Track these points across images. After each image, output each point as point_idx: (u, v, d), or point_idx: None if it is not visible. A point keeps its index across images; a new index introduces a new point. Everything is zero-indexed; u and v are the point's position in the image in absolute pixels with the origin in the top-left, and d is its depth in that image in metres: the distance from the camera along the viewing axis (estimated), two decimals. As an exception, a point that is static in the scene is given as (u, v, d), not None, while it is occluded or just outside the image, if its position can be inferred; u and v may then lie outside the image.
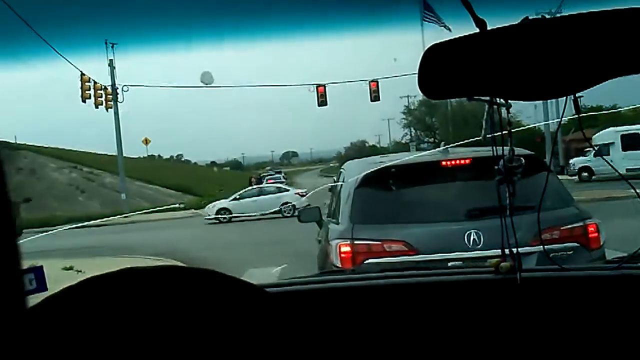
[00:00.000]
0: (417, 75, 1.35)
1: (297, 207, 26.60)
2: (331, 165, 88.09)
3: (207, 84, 23.51)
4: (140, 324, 0.99)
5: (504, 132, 1.55)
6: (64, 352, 0.97)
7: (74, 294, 1.00)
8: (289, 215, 26.57)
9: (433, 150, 7.20)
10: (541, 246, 2.92)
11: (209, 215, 30.02)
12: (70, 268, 14.98)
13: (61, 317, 0.99)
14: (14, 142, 54.58)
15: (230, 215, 29.65)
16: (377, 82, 35.83)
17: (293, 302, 1.08)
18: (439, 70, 1.36)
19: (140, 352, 0.99)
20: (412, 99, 64.45)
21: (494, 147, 1.60)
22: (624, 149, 33.46)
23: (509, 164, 1.59)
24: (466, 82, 1.39)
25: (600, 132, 34.15)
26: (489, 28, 1.31)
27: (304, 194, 31.50)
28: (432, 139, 60.90)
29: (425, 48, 1.36)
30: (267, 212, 27.05)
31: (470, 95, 1.48)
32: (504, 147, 1.58)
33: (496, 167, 1.63)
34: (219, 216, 29.83)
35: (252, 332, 1.01)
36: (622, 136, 34.73)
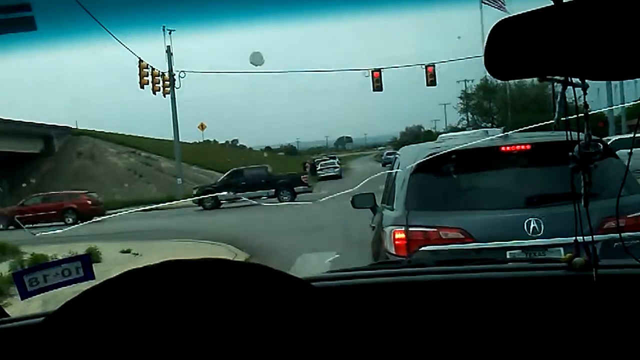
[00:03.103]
0: (483, 53, 1.24)
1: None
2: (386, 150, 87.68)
3: (256, 65, 23.17)
4: (180, 318, 0.93)
5: (580, 115, 1.42)
6: (100, 345, 0.92)
7: (113, 287, 0.95)
8: None
9: (495, 130, 6.98)
10: (605, 235, 2.75)
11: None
12: (128, 251, 15.28)
13: (98, 311, 0.94)
14: (75, 127, 56.03)
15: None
16: (434, 66, 35.45)
17: (340, 296, 1.02)
18: (508, 47, 1.25)
19: (181, 347, 0.93)
20: (470, 83, 63.55)
21: (569, 132, 1.47)
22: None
23: (585, 150, 1.46)
24: (538, 61, 1.27)
25: None
26: (565, 1, 1.20)
27: None
28: (490, 124, 59.83)
29: (491, 27, 1.26)
30: None
31: (543, 74, 1.36)
32: (579, 132, 1.45)
33: (571, 153, 1.51)
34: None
35: (297, 327, 0.95)
36: None
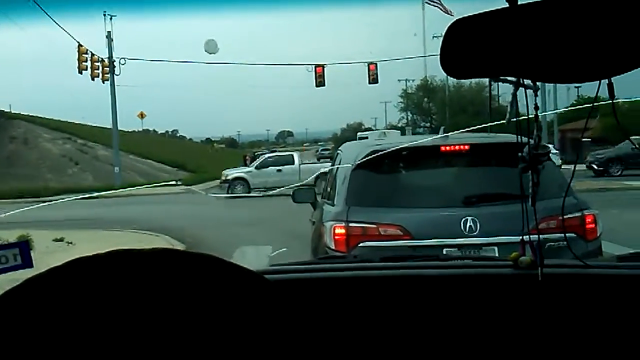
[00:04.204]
0: (439, 51, 1.26)
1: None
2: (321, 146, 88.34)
3: (210, 53, 22.97)
4: (128, 309, 0.91)
5: (530, 116, 1.46)
6: (45, 336, 0.89)
7: (58, 275, 0.92)
8: None
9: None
10: (552, 235, 2.82)
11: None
12: (61, 240, 14.85)
13: (43, 300, 0.91)
14: (8, 110, 54.26)
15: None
16: (376, 64, 35.73)
17: (293, 290, 1.01)
18: (463, 46, 1.27)
19: (127, 340, 0.91)
20: (410, 82, 64.42)
21: (519, 132, 1.50)
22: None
23: (535, 151, 1.50)
24: (492, 61, 1.29)
25: None
26: (520, 3, 1.22)
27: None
28: (429, 123, 60.84)
29: (447, 25, 1.27)
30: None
31: (496, 75, 1.39)
32: (523, 134, 1.48)
33: (520, 154, 1.54)
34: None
35: (249, 320, 0.94)
36: None
